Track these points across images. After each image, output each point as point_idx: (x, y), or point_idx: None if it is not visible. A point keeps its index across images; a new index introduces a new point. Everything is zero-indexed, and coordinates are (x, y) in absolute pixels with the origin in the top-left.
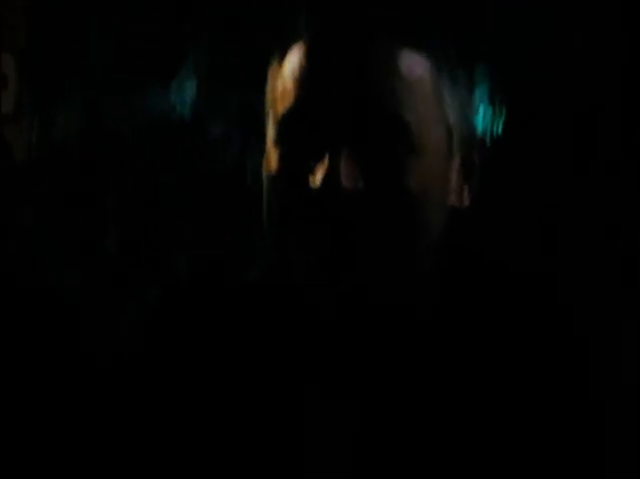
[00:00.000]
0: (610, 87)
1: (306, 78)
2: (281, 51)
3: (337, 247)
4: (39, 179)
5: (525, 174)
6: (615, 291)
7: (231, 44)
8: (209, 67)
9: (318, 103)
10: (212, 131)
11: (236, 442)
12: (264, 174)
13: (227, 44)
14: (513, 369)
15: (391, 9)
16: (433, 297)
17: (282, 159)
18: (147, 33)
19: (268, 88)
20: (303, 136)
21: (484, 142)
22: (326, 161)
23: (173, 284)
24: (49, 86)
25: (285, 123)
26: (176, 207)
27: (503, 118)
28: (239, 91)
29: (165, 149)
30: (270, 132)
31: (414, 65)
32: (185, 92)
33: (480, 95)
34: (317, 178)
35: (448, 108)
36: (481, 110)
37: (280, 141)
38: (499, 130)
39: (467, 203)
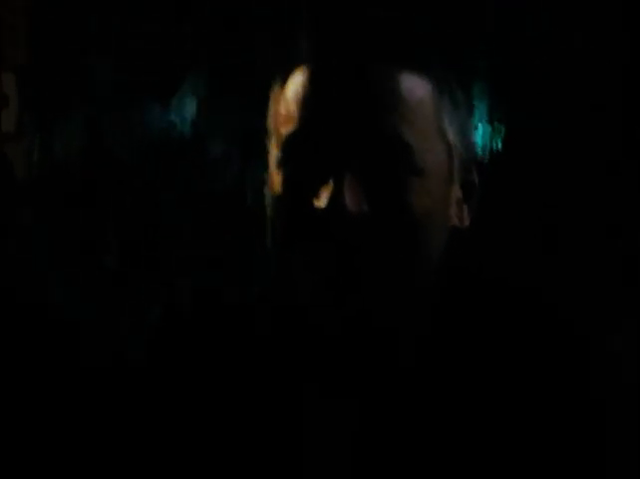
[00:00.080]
0: (610, 87)
1: (309, 101)
2: (283, 74)
3: (342, 269)
4: (40, 196)
5: (525, 185)
6: (615, 291)
7: (232, 63)
8: (209, 86)
9: (321, 125)
10: (212, 150)
11: (239, 459)
12: (268, 195)
13: (228, 63)
14: (515, 383)
15: (391, 29)
16: (434, 316)
17: (286, 181)
18: (148, 50)
19: (270, 111)
20: (307, 158)
21: (484, 161)
22: (330, 183)
23: (176, 305)
24: (49, 104)
25: (289, 145)
26: (177, 224)
27: (503, 135)
28: (239, 110)
29: (166, 167)
30: (273, 153)
31: (415, 87)
32: (186, 110)
33: (480, 114)
34: (322, 200)
35: (448, 129)
36: (480, 128)
37: (284, 163)
38: (499, 148)
39: (467, 223)
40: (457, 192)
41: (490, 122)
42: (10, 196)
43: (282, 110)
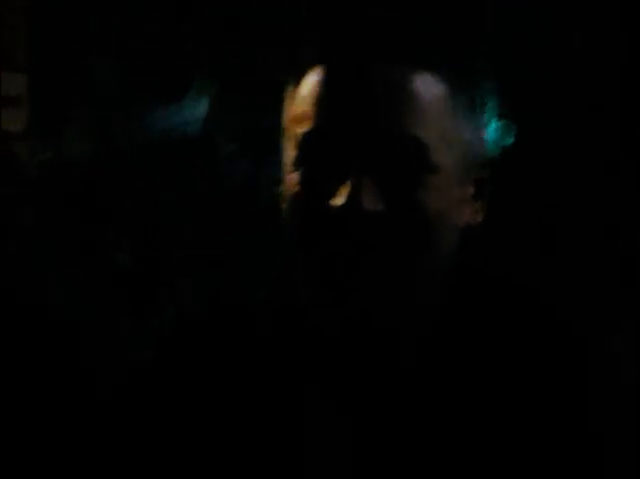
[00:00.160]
0: (610, 87)
1: (325, 100)
2: (297, 74)
3: (354, 267)
4: (48, 197)
5: (524, 185)
6: (615, 291)
7: (242, 63)
8: (219, 86)
9: (338, 124)
10: (218, 150)
11: (239, 459)
12: (283, 194)
13: (238, 63)
14: (515, 383)
15: (406, 29)
16: (436, 316)
17: (302, 180)
18: (150, 50)
19: (285, 110)
20: (323, 157)
21: (496, 159)
22: (346, 181)
23: (181, 306)
24: (58, 105)
25: (305, 145)
26: (179, 225)
27: (514, 132)
28: (249, 110)
29: (169, 168)
30: (288, 153)
31: (430, 86)
32: (193, 110)
33: (491, 111)
34: (338, 198)
35: (462, 127)
36: (493, 126)
37: (300, 162)
38: (510, 145)
39: (479, 219)
40: (470, 189)
41: (502, 118)
42: (18, 196)
43: (297, 109)
